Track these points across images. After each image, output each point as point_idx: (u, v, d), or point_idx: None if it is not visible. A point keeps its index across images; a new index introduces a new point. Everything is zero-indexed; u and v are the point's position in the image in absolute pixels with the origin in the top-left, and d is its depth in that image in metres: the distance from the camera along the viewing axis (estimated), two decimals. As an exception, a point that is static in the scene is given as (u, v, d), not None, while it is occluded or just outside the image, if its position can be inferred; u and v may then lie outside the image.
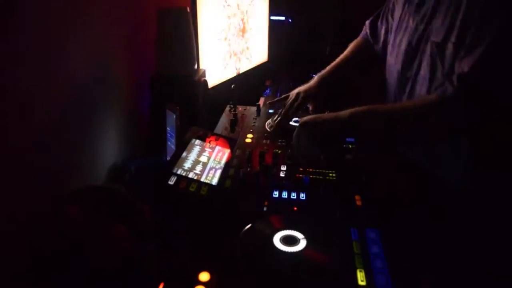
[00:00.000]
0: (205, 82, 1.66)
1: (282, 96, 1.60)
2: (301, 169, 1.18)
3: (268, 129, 1.46)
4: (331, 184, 1.11)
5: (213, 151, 1.22)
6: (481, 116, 1.07)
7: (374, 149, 1.23)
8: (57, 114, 1.10)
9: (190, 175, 1.10)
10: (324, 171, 1.16)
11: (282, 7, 2.84)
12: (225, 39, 1.98)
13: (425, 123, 1.12)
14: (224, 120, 1.56)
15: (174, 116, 1.31)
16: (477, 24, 1.05)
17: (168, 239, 0.90)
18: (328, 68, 1.60)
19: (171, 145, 1.37)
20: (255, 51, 2.38)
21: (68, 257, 0.71)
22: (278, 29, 2.75)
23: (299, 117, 1.52)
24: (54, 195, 0.86)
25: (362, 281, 0.79)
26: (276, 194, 1.07)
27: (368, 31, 1.61)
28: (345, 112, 1.17)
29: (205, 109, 1.63)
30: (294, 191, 1.08)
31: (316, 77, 1.58)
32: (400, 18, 1.35)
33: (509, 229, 1.04)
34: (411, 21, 1.28)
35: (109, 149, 1.41)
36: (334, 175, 1.15)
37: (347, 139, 1.31)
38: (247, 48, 2.27)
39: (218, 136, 1.30)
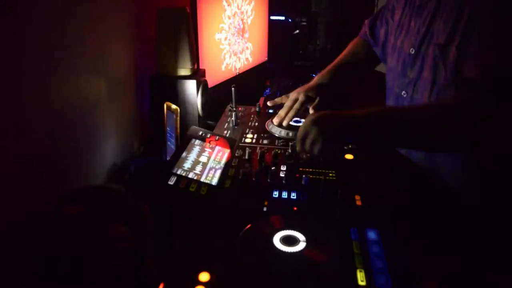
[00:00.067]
0: (205, 82, 1.66)
1: (282, 96, 1.60)
2: (301, 169, 1.18)
3: (268, 129, 1.45)
4: (331, 184, 1.11)
5: (213, 151, 1.22)
6: (498, 122, 1.06)
7: (374, 149, 1.23)
8: (56, 114, 1.10)
9: (190, 175, 1.09)
10: (324, 171, 1.16)
11: (281, 7, 2.84)
12: (225, 39, 1.98)
13: (449, 130, 1.09)
14: (224, 120, 1.56)
15: (174, 116, 1.31)
16: (483, 28, 1.05)
17: (168, 239, 0.90)
18: (327, 68, 1.60)
19: (171, 145, 1.37)
20: (255, 51, 2.38)
21: (68, 257, 0.71)
22: (278, 29, 2.75)
23: (299, 117, 1.52)
24: (53, 195, 0.85)
25: (362, 281, 0.79)
26: (276, 194, 1.07)
27: (367, 31, 1.61)
28: (361, 112, 1.12)
29: (205, 109, 1.63)
30: (294, 191, 1.08)
31: (316, 77, 1.58)
32: (400, 19, 1.35)
33: (509, 229, 1.04)
34: (412, 23, 1.27)
35: (109, 149, 1.41)
36: (334, 175, 1.15)
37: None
38: (247, 48, 2.27)
39: (218, 136, 1.30)
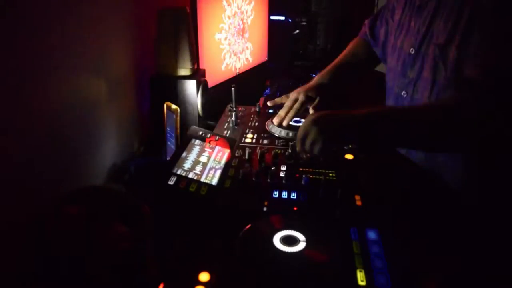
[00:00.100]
0: (205, 82, 1.66)
1: (282, 96, 1.60)
2: (301, 169, 1.18)
3: (268, 129, 1.45)
4: (331, 184, 1.11)
5: (213, 151, 1.22)
6: (498, 122, 1.06)
7: (374, 149, 1.23)
8: (56, 114, 1.10)
9: (190, 175, 1.09)
10: (324, 171, 1.16)
11: (281, 7, 2.84)
12: (225, 38, 1.99)
13: (449, 130, 1.09)
14: (224, 120, 1.56)
15: (174, 116, 1.31)
16: (483, 28, 1.05)
17: (168, 239, 0.90)
18: (327, 68, 1.60)
19: (171, 145, 1.37)
20: (255, 51, 2.38)
21: (68, 257, 0.71)
22: (278, 29, 2.75)
23: (299, 117, 1.52)
24: (53, 195, 0.86)
25: (362, 281, 0.79)
26: (276, 194, 1.07)
27: (367, 31, 1.61)
28: (361, 112, 1.11)
29: (205, 109, 1.63)
30: (294, 191, 1.08)
31: (316, 77, 1.58)
32: (400, 19, 1.35)
33: (509, 229, 1.04)
34: (412, 23, 1.27)
35: (108, 149, 1.41)
36: (334, 175, 1.15)
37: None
38: (247, 48, 2.27)
39: (218, 136, 1.30)
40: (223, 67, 2.02)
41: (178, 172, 1.09)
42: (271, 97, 2.07)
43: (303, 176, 1.13)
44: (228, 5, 1.98)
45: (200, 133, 1.27)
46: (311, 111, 1.47)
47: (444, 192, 1.14)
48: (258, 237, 0.90)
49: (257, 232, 0.92)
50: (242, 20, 2.15)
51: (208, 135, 1.28)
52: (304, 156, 1.20)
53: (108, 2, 1.35)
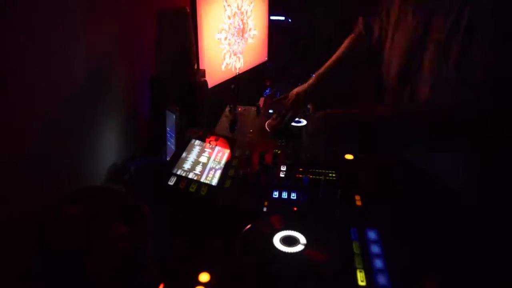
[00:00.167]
0: (205, 83, 1.66)
1: (281, 97, 1.60)
2: (301, 169, 1.18)
3: (268, 130, 1.45)
4: (331, 184, 1.11)
5: (213, 151, 1.22)
6: (498, 122, 1.06)
7: (374, 148, 1.23)
8: (56, 114, 1.10)
9: (190, 175, 1.09)
10: (324, 171, 1.16)
11: (281, 7, 2.84)
12: (225, 39, 1.98)
13: (450, 130, 1.09)
14: (224, 120, 1.56)
15: (174, 117, 1.31)
16: (483, 28, 1.05)
17: (168, 239, 0.90)
18: (324, 66, 1.60)
19: (171, 145, 1.37)
20: (255, 51, 2.38)
21: (68, 257, 0.71)
22: (277, 29, 2.74)
23: (299, 118, 1.52)
24: (53, 195, 0.86)
25: (362, 281, 0.79)
26: (276, 194, 1.07)
27: (362, 27, 1.61)
28: (363, 112, 1.13)
29: (205, 109, 1.63)
30: (294, 191, 1.08)
31: (313, 76, 1.58)
32: (398, 16, 1.35)
33: (509, 229, 1.04)
34: (410, 18, 1.28)
35: (109, 149, 1.41)
36: (334, 175, 1.15)
37: None
38: (247, 48, 2.27)
39: (218, 137, 1.30)
40: (223, 67, 2.02)
41: (178, 173, 1.09)
42: (271, 97, 2.07)
43: (303, 176, 1.13)
44: (228, 5, 1.98)
45: (200, 133, 1.27)
46: (310, 111, 1.48)
47: (444, 192, 1.14)
48: (258, 238, 0.90)
49: (257, 233, 0.92)
50: (242, 20, 2.15)
51: (208, 135, 1.28)
52: (308, 155, 1.20)
53: (108, 2, 1.35)
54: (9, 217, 0.90)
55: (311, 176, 1.14)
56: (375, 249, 0.87)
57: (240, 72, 2.21)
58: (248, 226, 0.93)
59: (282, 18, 2.92)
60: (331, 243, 0.89)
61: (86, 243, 0.72)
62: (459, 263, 0.88)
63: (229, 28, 2.01)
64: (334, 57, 1.64)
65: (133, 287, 0.75)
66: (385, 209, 1.01)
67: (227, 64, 2.05)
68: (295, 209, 1.02)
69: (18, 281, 0.87)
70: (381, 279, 0.79)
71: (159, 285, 0.77)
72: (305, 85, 1.55)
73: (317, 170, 1.17)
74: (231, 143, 1.29)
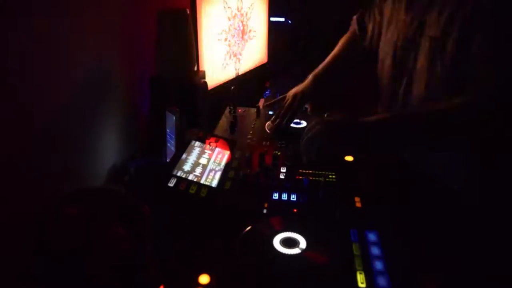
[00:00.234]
0: (205, 84, 1.66)
1: (279, 97, 1.60)
2: (301, 170, 1.18)
3: (268, 131, 1.45)
4: (331, 186, 1.11)
5: (213, 152, 1.22)
6: (498, 122, 1.06)
7: (374, 149, 1.23)
8: (56, 114, 1.10)
9: (190, 177, 1.09)
10: (324, 172, 1.16)
11: (281, 9, 2.85)
12: (225, 39, 1.99)
13: (450, 130, 1.10)
14: (224, 122, 1.56)
15: (174, 118, 1.31)
16: (483, 28, 1.05)
17: (167, 241, 0.90)
18: (321, 66, 1.61)
19: (171, 146, 1.37)
20: (255, 52, 2.38)
21: (67, 258, 0.71)
22: (277, 30, 2.75)
23: (299, 119, 1.52)
24: (53, 195, 0.85)
25: (362, 283, 0.79)
26: (276, 196, 1.07)
27: (356, 27, 1.62)
28: (367, 120, 1.13)
29: (205, 110, 1.63)
30: (294, 193, 1.08)
31: (310, 76, 1.58)
32: (391, 13, 1.36)
33: (509, 229, 1.04)
34: (404, 16, 1.28)
35: (108, 150, 1.41)
36: (333, 176, 1.15)
37: None
38: (246, 50, 2.27)
39: (218, 138, 1.29)
40: (223, 69, 2.02)
41: (178, 174, 1.09)
42: (270, 98, 2.07)
43: (303, 177, 1.13)
44: (229, 7, 1.98)
45: (200, 134, 1.27)
46: (308, 111, 1.48)
47: (444, 192, 1.14)
48: (258, 239, 0.90)
49: (257, 234, 0.92)
50: (242, 22, 2.15)
51: (208, 137, 1.28)
52: (309, 160, 1.20)
53: (108, 2, 1.35)
54: (9, 217, 0.90)
55: (311, 178, 1.14)
56: (375, 250, 0.87)
57: (240, 74, 2.21)
58: (248, 228, 0.93)
59: (282, 19, 2.92)
60: (331, 245, 0.89)
61: (86, 243, 0.71)
62: (459, 263, 0.88)
63: (229, 29, 2.01)
64: (329, 57, 1.64)
65: (133, 287, 0.75)
66: (385, 210, 1.01)
67: (227, 65, 2.05)
68: (295, 210, 1.02)
69: (18, 281, 0.87)
70: (381, 281, 0.79)
71: (159, 287, 0.77)
72: (302, 85, 1.55)
73: (317, 172, 1.17)
74: (231, 145, 1.29)
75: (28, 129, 0.99)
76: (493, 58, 1.04)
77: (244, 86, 2.11)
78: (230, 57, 2.06)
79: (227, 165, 1.20)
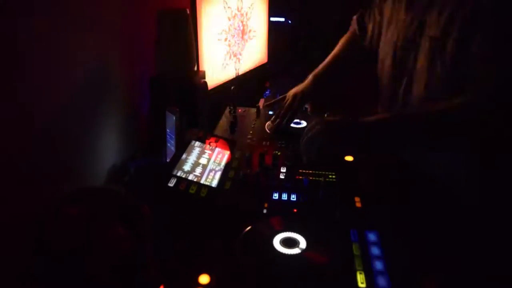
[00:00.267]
0: (205, 84, 1.66)
1: (279, 97, 1.60)
2: (301, 170, 1.18)
3: (268, 131, 1.45)
4: (331, 186, 1.11)
5: (213, 152, 1.22)
6: (498, 122, 1.06)
7: (374, 150, 1.23)
8: (56, 115, 1.10)
9: (190, 177, 1.09)
10: (324, 172, 1.16)
11: (281, 9, 2.84)
12: (225, 39, 1.99)
13: (450, 130, 1.10)
14: (224, 122, 1.56)
15: (174, 118, 1.31)
16: (483, 28, 1.05)
17: (167, 241, 0.90)
18: (321, 66, 1.61)
19: (171, 146, 1.37)
20: (255, 52, 2.38)
21: (67, 258, 0.71)
22: (277, 30, 2.75)
23: (299, 119, 1.52)
24: (53, 195, 0.85)
25: (362, 283, 0.79)
26: (276, 196, 1.07)
27: (356, 27, 1.62)
28: (367, 120, 1.14)
29: (205, 110, 1.63)
30: (294, 193, 1.08)
31: (310, 76, 1.58)
32: (391, 13, 1.36)
33: (509, 229, 1.04)
34: (404, 16, 1.28)
35: (108, 150, 1.41)
36: (333, 176, 1.15)
37: None
38: (246, 50, 2.27)
39: (218, 138, 1.29)
40: (223, 69, 2.02)
41: (178, 174, 1.09)
42: (270, 98, 2.07)
43: (303, 177, 1.13)
44: (229, 7, 1.98)
45: (200, 134, 1.27)
46: (308, 111, 1.48)
47: (444, 192, 1.14)
48: (258, 239, 0.90)
49: (257, 234, 0.92)
50: (242, 22, 2.15)
51: (208, 137, 1.28)
52: (309, 160, 1.20)
53: (108, 2, 1.35)
54: (9, 217, 0.90)
55: (311, 178, 1.14)
56: (375, 251, 0.87)
57: (240, 74, 2.21)
58: (248, 228, 0.93)
59: (282, 19, 2.92)
60: (331, 245, 0.89)
61: (86, 243, 0.71)
62: (459, 263, 0.88)
63: (229, 29, 2.01)
64: (329, 57, 1.64)
65: (133, 287, 0.75)
66: (385, 210, 1.01)
67: (227, 65, 2.05)
68: (295, 210, 1.02)
69: (18, 281, 0.87)
70: (381, 281, 0.79)
71: (159, 287, 0.77)
72: (302, 85, 1.55)
73: (317, 172, 1.17)
74: (231, 145, 1.29)
75: (28, 129, 0.99)
76: (493, 58, 1.04)
77: (244, 86, 2.11)
78: (230, 57, 2.06)
79: (227, 165, 1.20)
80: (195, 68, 1.64)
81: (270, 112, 1.62)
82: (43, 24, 1.02)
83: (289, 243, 0.88)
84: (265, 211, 1.01)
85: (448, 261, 0.87)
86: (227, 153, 1.25)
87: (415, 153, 1.28)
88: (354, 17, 1.65)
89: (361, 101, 1.17)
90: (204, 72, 1.73)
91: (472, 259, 0.89)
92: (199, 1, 1.69)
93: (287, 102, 1.51)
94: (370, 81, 1.54)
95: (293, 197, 1.06)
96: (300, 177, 1.14)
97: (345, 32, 1.71)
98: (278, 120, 1.46)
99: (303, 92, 1.50)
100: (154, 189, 1.11)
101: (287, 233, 0.91)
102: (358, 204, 1.03)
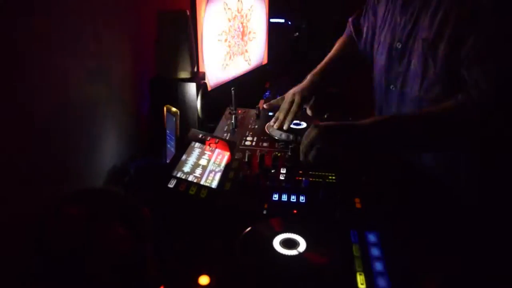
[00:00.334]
0: (205, 85, 1.66)
1: (278, 98, 1.60)
2: (300, 171, 1.18)
3: (268, 132, 1.45)
4: (330, 187, 1.11)
5: (212, 153, 1.22)
6: (498, 122, 1.07)
7: (373, 151, 1.23)
8: (56, 115, 1.10)
9: (190, 178, 1.09)
10: (323, 173, 1.16)
11: (281, 9, 2.85)
12: (225, 40, 1.99)
13: (449, 130, 1.11)
14: (223, 123, 1.56)
15: (174, 119, 1.31)
16: (483, 29, 1.05)
17: (167, 241, 0.90)
18: (319, 66, 1.61)
19: (171, 147, 1.37)
20: (255, 54, 2.38)
21: (67, 258, 0.71)
22: (277, 31, 2.75)
23: (299, 120, 1.52)
24: (53, 195, 0.85)
25: (362, 284, 0.79)
26: (275, 197, 1.07)
27: (352, 29, 1.62)
28: (365, 122, 1.15)
29: (205, 111, 1.63)
30: (293, 194, 1.07)
31: (309, 76, 1.58)
32: (384, 16, 1.36)
33: (509, 229, 1.04)
34: (398, 19, 1.29)
35: (108, 151, 1.41)
36: (333, 177, 1.15)
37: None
38: (246, 51, 2.27)
39: (218, 139, 1.29)
40: (223, 70, 2.02)
41: (178, 175, 1.09)
42: (270, 99, 2.07)
43: (303, 178, 1.13)
44: (229, 8, 1.98)
45: (200, 135, 1.27)
46: (308, 111, 1.48)
47: (444, 192, 1.14)
48: (258, 240, 0.90)
49: (256, 235, 0.92)
50: (242, 23, 2.15)
51: (208, 138, 1.28)
52: (308, 164, 1.20)
53: (109, 3, 1.35)
54: (9, 217, 0.90)
55: (311, 179, 1.14)
56: (375, 251, 0.87)
57: (240, 75, 2.21)
58: (248, 229, 0.93)
59: (282, 20, 2.93)
60: (331, 246, 0.89)
61: (86, 243, 0.71)
62: (459, 263, 0.88)
63: (229, 30, 2.01)
64: (328, 57, 1.65)
65: (133, 287, 0.75)
66: (385, 211, 1.01)
67: (227, 66, 2.05)
68: (295, 211, 1.02)
69: (18, 281, 0.87)
70: (381, 282, 0.79)
71: (159, 286, 0.77)
72: (301, 86, 1.55)
73: (317, 173, 1.17)
74: (231, 146, 1.29)
75: (28, 129, 0.99)
76: (492, 58, 1.04)
77: (244, 87, 2.11)
78: (230, 58, 2.06)
79: (227, 166, 1.20)
80: (195, 69, 1.64)
81: (270, 113, 1.61)
82: (43, 24, 1.02)
83: (289, 244, 0.88)
84: (265, 212, 1.01)
85: (448, 261, 0.87)
86: (227, 154, 1.25)
87: (414, 153, 1.28)
88: (350, 20, 1.66)
89: (361, 101, 1.17)
90: (204, 73, 1.73)
91: (472, 259, 0.89)
92: (199, 2, 1.70)
93: (286, 103, 1.51)
94: (370, 81, 1.54)
95: (293, 198, 1.06)
96: (300, 178, 1.14)
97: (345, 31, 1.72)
98: (277, 121, 1.46)
99: (302, 92, 1.50)
100: (154, 190, 1.11)
101: (287, 234, 0.91)
102: (358, 205, 1.03)
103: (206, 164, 1.17)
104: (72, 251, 0.70)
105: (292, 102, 1.48)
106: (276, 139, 1.40)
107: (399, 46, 1.27)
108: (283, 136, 1.40)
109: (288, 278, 0.81)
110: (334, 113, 1.51)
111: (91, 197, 0.82)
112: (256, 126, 1.52)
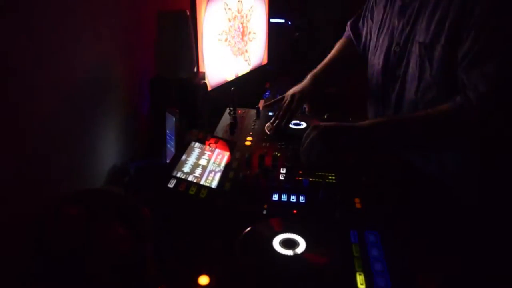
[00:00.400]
0: (205, 85, 1.66)
1: (278, 98, 1.60)
2: (300, 171, 1.18)
3: (268, 132, 1.45)
4: (330, 187, 1.10)
5: (212, 154, 1.22)
6: (498, 122, 1.07)
7: (374, 151, 1.23)
8: (56, 115, 1.10)
9: (190, 178, 1.09)
10: (323, 173, 1.16)
11: (281, 10, 2.85)
12: (225, 40, 1.99)
13: (449, 131, 1.12)
14: (223, 123, 1.56)
15: (174, 119, 1.31)
16: (482, 29, 1.05)
17: (167, 241, 0.90)
18: (319, 67, 1.61)
19: (171, 147, 1.37)
20: (255, 54, 2.38)
21: (67, 258, 0.71)
22: (277, 32, 2.75)
23: (298, 120, 1.52)
24: (53, 195, 0.86)
25: (361, 284, 0.79)
26: (275, 197, 1.07)
27: (350, 32, 1.62)
28: (364, 123, 1.16)
29: (205, 111, 1.63)
30: (293, 194, 1.07)
31: (309, 76, 1.58)
32: (382, 19, 1.36)
33: (509, 229, 1.04)
34: (396, 22, 1.29)
35: (108, 151, 1.41)
36: (333, 177, 1.15)
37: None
38: (246, 51, 2.27)
39: (218, 139, 1.29)
40: (223, 70, 2.02)
41: (178, 175, 1.09)
42: (270, 99, 2.07)
43: (303, 179, 1.13)
44: (229, 8, 1.98)
45: (200, 135, 1.27)
46: (308, 112, 1.48)
47: (444, 192, 1.14)
48: (258, 240, 0.90)
49: (256, 235, 0.92)
50: (242, 23, 2.15)
51: (208, 138, 1.28)
52: (309, 166, 1.20)
53: (109, 3, 1.35)
54: (9, 217, 0.90)
55: (310, 179, 1.14)
56: (374, 252, 0.87)
57: (240, 75, 2.21)
58: (248, 229, 0.93)
59: (282, 20, 2.93)
60: (330, 246, 0.89)
61: (86, 243, 0.71)
62: (459, 263, 0.88)
63: (229, 30, 2.01)
64: (327, 58, 1.65)
65: (133, 287, 0.75)
66: (385, 211, 1.01)
67: (227, 66, 2.05)
68: (295, 211, 1.02)
69: (18, 281, 0.87)
70: (381, 282, 0.79)
71: (159, 286, 0.77)
72: (301, 85, 1.55)
73: (316, 173, 1.17)
74: (231, 146, 1.29)
75: (28, 129, 0.99)
76: (492, 59, 1.04)
77: (244, 87, 2.11)
78: (230, 58, 2.07)
79: (227, 166, 1.20)
80: (195, 69, 1.64)
81: (270, 113, 1.61)
82: (43, 24, 1.02)
83: (289, 244, 0.88)
84: (264, 212, 1.01)
85: (448, 261, 0.87)
86: (226, 154, 1.25)
87: (415, 153, 1.28)
88: (348, 22, 1.66)
89: (360, 102, 1.17)
90: (204, 73, 1.73)
91: (472, 259, 0.89)
92: (199, 2, 1.70)
93: (285, 103, 1.51)
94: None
95: (293, 198, 1.06)
96: (300, 178, 1.14)
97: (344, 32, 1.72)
98: (277, 121, 1.46)
99: (301, 92, 1.50)
100: (154, 190, 1.11)
101: (287, 234, 0.91)
102: (358, 205, 1.03)
103: (206, 164, 1.17)
104: (72, 251, 0.71)
105: (291, 102, 1.48)
106: (275, 138, 1.40)
107: (397, 50, 1.27)
108: (282, 136, 1.40)
109: (288, 278, 0.81)
110: (334, 113, 1.51)
111: (91, 197, 0.83)
112: (256, 126, 1.52)
